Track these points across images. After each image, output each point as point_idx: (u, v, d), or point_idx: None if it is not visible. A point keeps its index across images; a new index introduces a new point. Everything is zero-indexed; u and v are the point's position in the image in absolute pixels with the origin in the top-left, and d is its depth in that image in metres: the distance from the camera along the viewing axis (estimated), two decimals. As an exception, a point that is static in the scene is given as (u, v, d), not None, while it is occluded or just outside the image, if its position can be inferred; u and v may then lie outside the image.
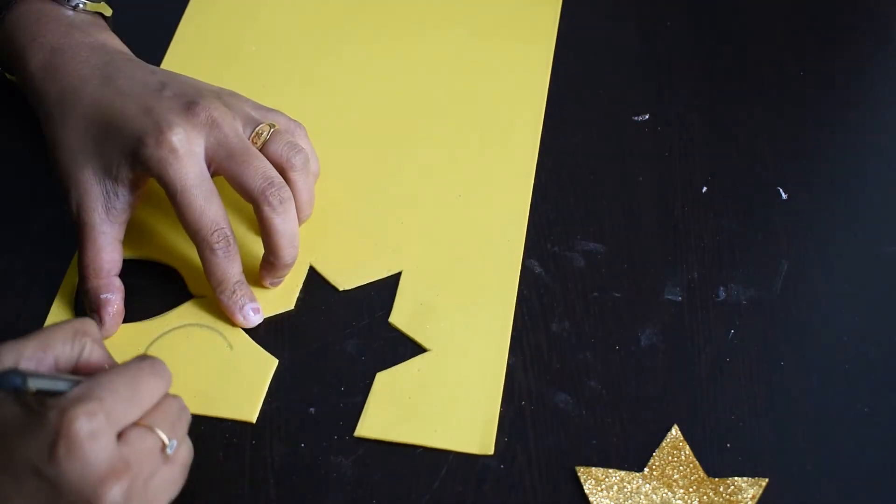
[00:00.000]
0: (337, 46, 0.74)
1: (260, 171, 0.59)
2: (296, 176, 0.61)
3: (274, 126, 0.61)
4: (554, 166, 0.68)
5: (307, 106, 0.69)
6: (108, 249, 0.60)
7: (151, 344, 0.60)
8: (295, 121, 0.64)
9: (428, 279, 0.63)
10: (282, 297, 0.62)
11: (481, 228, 0.65)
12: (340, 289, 0.62)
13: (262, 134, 0.61)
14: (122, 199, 0.60)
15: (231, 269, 0.59)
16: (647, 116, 0.71)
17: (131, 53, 0.66)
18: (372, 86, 0.72)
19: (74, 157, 0.60)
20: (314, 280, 0.63)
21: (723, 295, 0.63)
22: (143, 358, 0.51)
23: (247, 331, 0.61)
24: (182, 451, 0.52)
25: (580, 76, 0.74)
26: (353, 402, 0.58)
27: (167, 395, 0.52)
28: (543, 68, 0.73)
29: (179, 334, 0.60)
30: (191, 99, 0.60)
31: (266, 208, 0.59)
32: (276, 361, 0.59)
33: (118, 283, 0.60)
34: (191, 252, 0.61)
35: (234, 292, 0.60)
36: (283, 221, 0.59)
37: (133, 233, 0.62)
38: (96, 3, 0.66)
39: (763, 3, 0.79)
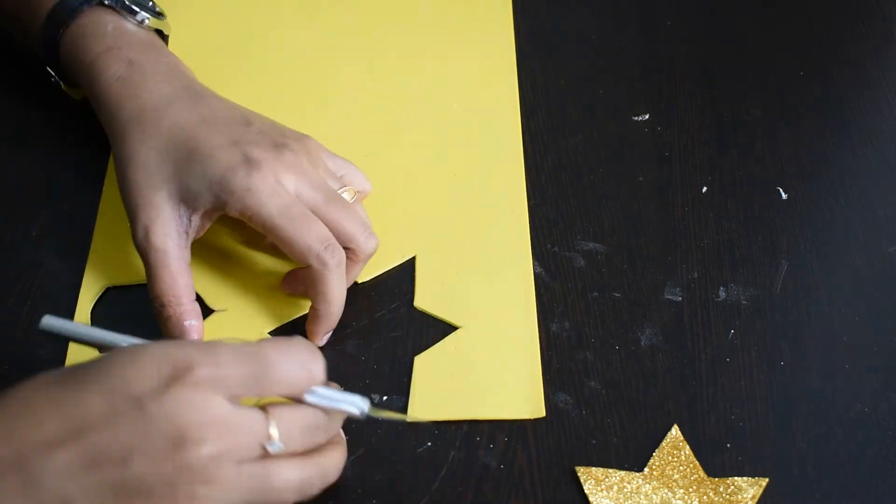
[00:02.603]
0: (308, 59, 0.74)
1: (358, 221, 0.59)
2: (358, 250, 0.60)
3: (356, 193, 0.62)
4: (554, 166, 0.68)
5: (293, 112, 0.69)
6: (183, 275, 0.58)
7: None
8: (363, 174, 0.64)
9: (443, 260, 0.64)
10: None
11: (482, 204, 0.66)
12: (359, 281, 0.63)
13: (344, 196, 0.61)
14: (193, 226, 0.59)
15: (340, 292, 0.58)
16: (647, 116, 0.71)
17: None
18: (344, 93, 0.72)
19: (151, 177, 0.58)
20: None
21: (723, 295, 0.63)
22: (298, 344, 0.49)
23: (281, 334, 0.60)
24: (291, 471, 0.48)
25: (580, 76, 0.74)
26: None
27: (310, 408, 0.49)
28: (507, 53, 0.74)
29: None
30: (278, 140, 0.59)
31: (350, 256, 0.59)
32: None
33: (197, 307, 0.59)
34: (206, 268, 0.62)
35: (329, 317, 0.59)
36: (346, 272, 0.59)
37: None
38: (160, 20, 0.66)
39: (763, 3, 0.79)
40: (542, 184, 0.68)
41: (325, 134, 0.67)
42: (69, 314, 0.61)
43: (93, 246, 0.64)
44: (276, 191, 0.57)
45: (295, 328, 0.61)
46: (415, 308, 0.62)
